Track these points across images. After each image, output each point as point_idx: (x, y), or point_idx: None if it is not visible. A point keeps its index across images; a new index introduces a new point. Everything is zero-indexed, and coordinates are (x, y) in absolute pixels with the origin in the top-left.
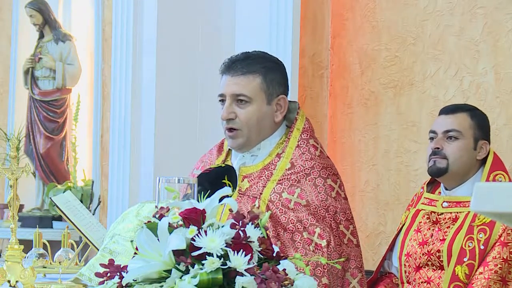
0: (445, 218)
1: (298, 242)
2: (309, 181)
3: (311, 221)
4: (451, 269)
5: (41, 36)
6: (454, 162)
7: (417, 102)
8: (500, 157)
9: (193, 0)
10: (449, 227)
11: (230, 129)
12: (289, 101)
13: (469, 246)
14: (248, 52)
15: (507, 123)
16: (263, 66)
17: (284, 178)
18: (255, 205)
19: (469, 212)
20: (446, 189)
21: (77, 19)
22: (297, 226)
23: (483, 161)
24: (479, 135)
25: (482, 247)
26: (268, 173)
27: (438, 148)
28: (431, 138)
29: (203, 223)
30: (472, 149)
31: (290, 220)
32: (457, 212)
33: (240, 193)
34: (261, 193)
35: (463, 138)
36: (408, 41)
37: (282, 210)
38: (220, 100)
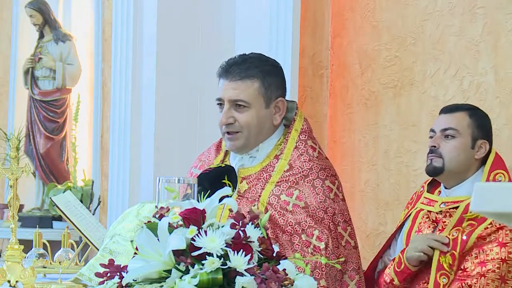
0: (444, 215)
1: (297, 244)
2: (307, 182)
3: (309, 223)
4: (436, 259)
5: (41, 36)
6: (450, 161)
7: (417, 102)
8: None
9: (193, 0)
10: (446, 224)
11: (229, 132)
12: (287, 100)
13: (453, 235)
14: (245, 54)
15: (507, 123)
16: (261, 70)
17: (283, 180)
18: (254, 205)
19: (466, 206)
20: (446, 188)
21: (77, 19)
22: (295, 228)
23: (484, 161)
24: (478, 134)
25: (464, 238)
26: (266, 175)
27: (434, 146)
28: (431, 137)
29: (203, 223)
30: (469, 148)
31: (289, 223)
32: (454, 208)
33: (239, 195)
34: (259, 196)
35: (460, 136)
36: (408, 41)
37: (281, 212)
38: (218, 104)
